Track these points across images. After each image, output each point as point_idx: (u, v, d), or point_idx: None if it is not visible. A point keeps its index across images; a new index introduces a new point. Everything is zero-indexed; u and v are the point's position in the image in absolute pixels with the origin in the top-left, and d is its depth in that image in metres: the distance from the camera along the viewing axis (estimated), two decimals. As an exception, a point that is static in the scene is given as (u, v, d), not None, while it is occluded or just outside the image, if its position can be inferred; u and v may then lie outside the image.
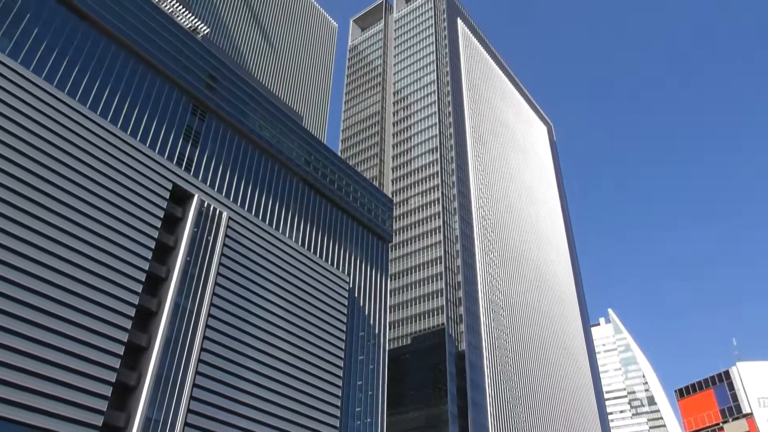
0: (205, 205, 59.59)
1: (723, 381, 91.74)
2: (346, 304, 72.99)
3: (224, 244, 59.69)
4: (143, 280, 51.26)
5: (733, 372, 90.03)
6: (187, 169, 60.57)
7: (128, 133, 55.55)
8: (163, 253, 55.91)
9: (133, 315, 49.36)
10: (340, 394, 67.13)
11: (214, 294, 56.74)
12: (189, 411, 50.66)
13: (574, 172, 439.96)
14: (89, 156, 50.83)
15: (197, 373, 52.55)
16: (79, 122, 51.04)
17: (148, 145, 57.10)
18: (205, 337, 54.35)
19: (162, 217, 55.04)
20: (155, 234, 53.77)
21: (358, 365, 73.87)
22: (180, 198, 58.78)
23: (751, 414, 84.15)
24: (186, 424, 50.05)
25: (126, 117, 56.26)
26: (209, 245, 58.35)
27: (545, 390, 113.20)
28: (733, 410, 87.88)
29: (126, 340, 48.19)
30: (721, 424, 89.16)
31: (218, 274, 57.96)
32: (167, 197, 56.27)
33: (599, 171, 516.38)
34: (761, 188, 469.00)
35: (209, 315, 55.53)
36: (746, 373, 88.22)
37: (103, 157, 51.88)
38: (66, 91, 51.83)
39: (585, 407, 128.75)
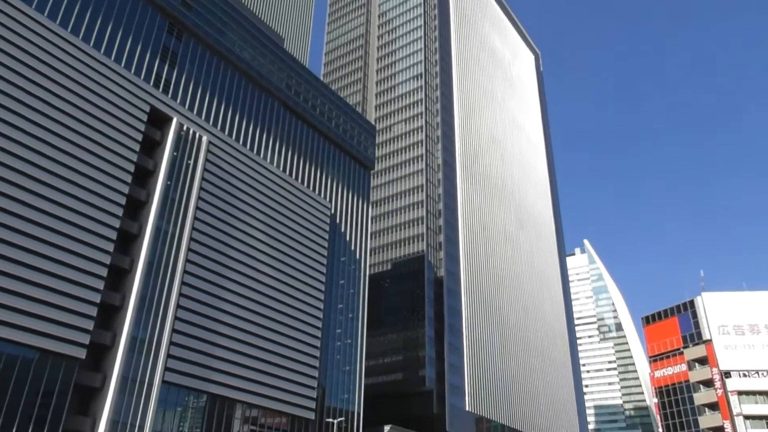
0: (185, 128, 58.77)
1: (687, 310, 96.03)
2: (328, 229, 73.93)
3: (205, 169, 59.42)
4: (123, 203, 51.24)
5: (698, 301, 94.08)
6: (165, 91, 59.23)
7: (102, 52, 53.73)
8: (143, 177, 55.58)
9: (114, 238, 49.68)
10: (321, 317, 69.23)
11: (195, 218, 57.04)
12: (174, 331, 52.13)
13: (559, 103, 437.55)
14: (63, 76, 49.37)
15: (181, 295, 53.65)
16: (51, 41, 49.18)
17: (123, 65, 55.44)
18: (187, 261, 55.12)
19: (140, 140, 54.33)
20: (134, 157, 53.25)
21: (339, 289, 75.77)
22: (158, 121, 57.81)
23: (710, 340, 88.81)
24: (171, 343, 51.61)
25: (99, 35, 54.22)
26: (189, 169, 58.04)
27: (519, 315, 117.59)
28: (694, 337, 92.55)
29: (109, 263, 48.75)
30: (681, 349, 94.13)
31: (199, 198, 58.03)
32: (145, 120, 55.33)
33: (584, 103, 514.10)
34: (748, 111, 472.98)
35: (191, 239, 56.06)
36: (710, 303, 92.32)
37: (78, 77, 50.43)
38: (34, 6, 49.56)
39: (556, 332, 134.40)
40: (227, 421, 56.36)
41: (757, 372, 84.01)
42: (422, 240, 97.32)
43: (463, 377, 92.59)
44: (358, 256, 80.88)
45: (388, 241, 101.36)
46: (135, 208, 54.00)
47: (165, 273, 52.92)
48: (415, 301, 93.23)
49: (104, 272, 48.11)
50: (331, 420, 63.72)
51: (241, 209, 62.49)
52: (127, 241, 52.62)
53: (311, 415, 64.34)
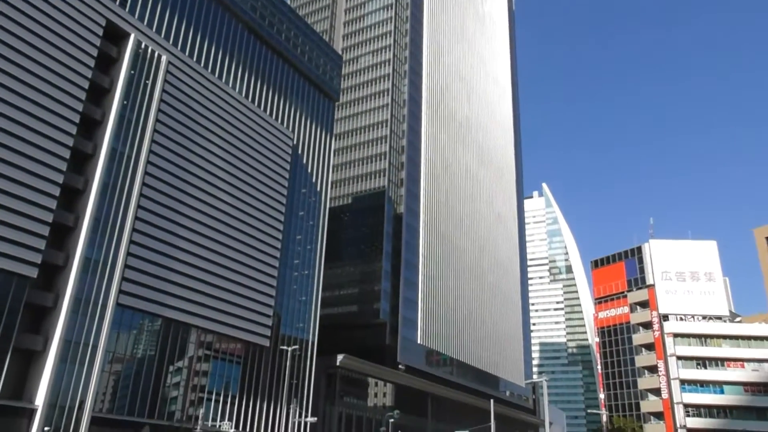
0: (143, 46, 56.18)
1: (635, 255, 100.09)
2: (289, 160, 73.17)
3: (163, 90, 57.38)
4: (77, 121, 49.38)
5: (645, 248, 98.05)
6: (122, 5, 56.11)
7: (54, -44, 50.15)
8: (98, 95, 53.37)
9: (68, 157, 48.14)
10: (280, 247, 69.54)
11: (152, 141, 55.52)
12: (129, 254, 51.65)
13: (530, 44, 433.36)
14: (10, -21, 46.09)
15: (136, 218, 52.86)
16: (-4, -62, 45.52)
17: (77, -28, 51.98)
18: (144, 184, 54.03)
19: (95, 56, 51.83)
20: (89, 74, 50.95)
21: (298, 220, 75.86)
22: (115, 37, 55.05)
23: (653, 285, 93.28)
24: (126, 265, 51.23)
25: (51, -63, 50.43)
26: (147, 89, 55.95)
27: (475, 254, 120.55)
28: (638, 281, 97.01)
29: (62, 182, 47.41)
30: (625, 293, 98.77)
31: (157, 120, 56.31)
32: (100, 34, 52.63)
33: (555, 45, 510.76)
34: (720, 56, 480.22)
35: (148, 161, 54.75)
36: (656, 250, 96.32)
37: (27, -19, 47.17)
38: None
39: (509, 272, 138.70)
40: (182, 344, 57.06)
41: (692, 316, 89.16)
42: (384, 175, 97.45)
43: (416, 311, 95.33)
44: (318, 189, 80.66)
45: (350, 174, 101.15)
46: (90, 127, 52.11)
47: (120, 195, 51.85)
48: (373, 235, 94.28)
49: (57, 191, 46.83)
50: (285, 348, 65.18)
51: (200, 134, 61.04)
52: (81, 161, 51.03)
53: (266, 342, 65.64)
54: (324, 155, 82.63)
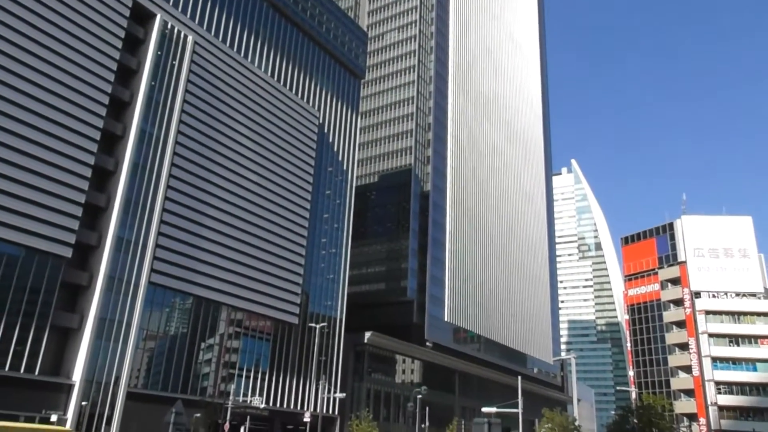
0: (169, 26, 56.37)
1: (666, 232, 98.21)
2: (316, 139, 73.18)
3: (190, 70, 57.64)
4: (106, 103, 50.00)
5: (677, 224, 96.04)
6: (148, -15, 56.22)
7: (80, -63, 50.34)
8: (126, 76, 53.89)
9: (98, 138, 48.88)
10: (307, 225, 69.97)
11: (180, 121, 55.97)
12: (160, 233, 52.52)
13: (559, 16, 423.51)
14: (38, -38, 46.47)
15: (166, 198, 53.61)
16: None
17: (103, -47, 52.15)
18: (173, 164, 54.65)
19: (123, 37, 52.21)
20: (116, 55, 51.40)
21: (325, 199, 76.10)
22: (141, 17, 55.33)
23: (685, 262, 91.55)
24: (157, 245, 52.15)
25: None
26: (174, 70, 56.28)
27: (502, 231, 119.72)
28: (669, 258, 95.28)
29: (93, 163, 48.23)
30: (656, 270, 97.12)
31: (184, 101, 56.69)
32: (127, 15, 52.92)
33: (586, 18, 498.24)
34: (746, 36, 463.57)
35: (176, 142, 55.30)
36: (688, 226, 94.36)
37: (54, -36, 47.52)
38: None
39: (537, 249, 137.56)
40: (213, 322, 58.14)
41: (725, 293, 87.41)
42: (410, 153, 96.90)
43: (443, 289, 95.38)
44: (345, 167, 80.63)
45: (376, 153, 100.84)
46: (119, 108, 52.73)
47: (150, 175, 52.57)
48: (400, 213, 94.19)
49: (88, 173, 47.68)
50: (313, 325, 65.94)
51: (227, 114, 61.33)
52: (111, 142, 51.77)
53: (294, 320, 66.48)
54: (350, 133, 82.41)
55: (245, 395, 58.02)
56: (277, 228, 65.55)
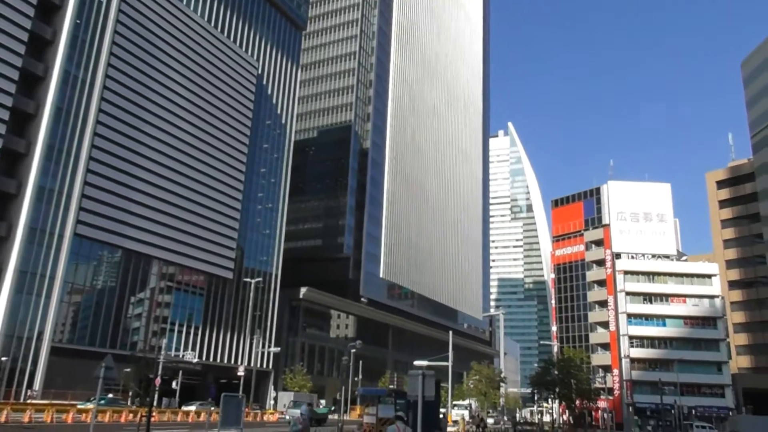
0: (96, -39, 52.52)
1: (593, 196, 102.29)
2: (254, 90, 71.06)
3: (119, 9, 54.21)
4: (26, 40, 46.51)
5: (603, 189, 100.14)
6: None
7: None
8: (48, 12, 50.08)
9: (17, 78, 45.59)
10: (243, 179, 68.53)
11: (109, 64, 52.87)
12: (86, 183, 50.09)
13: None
14: None
15: (93, 146, 50.98)
16: None
17: None
18: (100, 110, 51.82)
19: (44, -32, 48.29)
20: (37, -12, 47.60)
21: (262, 153, 74.52)
22: (64, -52, 51.20)
23: (608, 225, 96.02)
24: (83, 195, 49.77)
25: None
26: (102, 8, 52.79)
27: (439, 190, 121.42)
28: (595, 221, 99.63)
29: (11, 105, 45.08)
30: (582, 231, 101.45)
31: (113, 42, 53.47)
32: (49, -55, 48.85)
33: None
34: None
35: (104, 86, 52.33)
36: (613, 191, 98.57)
37: None
38: None
39: (471, 209, 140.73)
40: (143, 276, 56.61)
41: (643, 255, 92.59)
42: (351, 110, 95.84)
43: (379, 246, 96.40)
44: (283, 121, 78.95)
45: (316, 107, 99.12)
46: (40, 46, 49.12)
47: (75, 121, 49.70)
48: (338, 170, 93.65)
49: (6, 115, 44.59)
50: (249, 280, 65.38)
51: (159, 58, 58.39)
52: (31, 84, 48.37)
53: (229, 275, 65.69)
54: (289, 86, 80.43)
55: (177, 350, 57.31)
56: (212, 180, 63.86)
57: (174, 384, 53.39)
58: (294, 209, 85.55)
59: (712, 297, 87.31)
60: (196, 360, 55.91)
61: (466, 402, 78.05)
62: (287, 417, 41.30)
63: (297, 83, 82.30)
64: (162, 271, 58.77)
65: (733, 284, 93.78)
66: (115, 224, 52.57)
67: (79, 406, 37.30)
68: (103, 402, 39.53)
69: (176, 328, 59.76)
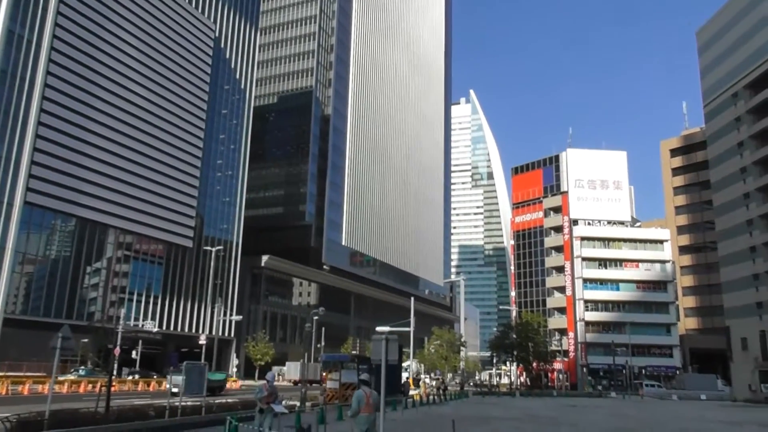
0: None
1: (552, 164, 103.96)
2: (211, 53, 69.00)
3: (66, -33, 51.48)
4: (-36, -3, 43.82)
5: (562, 156, 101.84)
6: None
7: None
8: (-12, -34, 47.20)
9: (-45, 38, 43.04)
10: (202, 146, 67.02)
11: (56, 24, 50.40)
12: (36, 150, 48.16)
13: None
14: None
15: (42, 110, 48.89)
16: None
17: None
18: (48, 72, 49.56)
19: None
20: (-26, -59, 44.67)
21: (221, 119, 72.85)
22: None
23: (567, 192, 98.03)
24: (33, 162, 47.89)
25: None
26: (47, -35, 50.00)
27: (401, 157, 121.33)
28: (554, 188, 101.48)
29: (-50, 66, 42.64)
30: (541, 198, 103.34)
31: (61, 1, 50.86)
32: None
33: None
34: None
35: (52, 48, 49.95)
36: (572, 159, 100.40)
37: None
38: None
39: (433, 176, 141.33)
40: (99, 245, 55.23)
41: (599, 221, 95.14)
42: (311, 75, 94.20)
43: (341, 213, 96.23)
44: (243, 86, 77.09)
45: (276, 72, 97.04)
46: (-21, 4, 46.37)
47: (22, 84, 47.46)
48: (299, 136, 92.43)
49: (-55, 77, 42.22)
50: (209, 248, 64.51)
51: (111, 19, 55.94)
52: (-29, 44, 45.82)
53: (188, 243, 64.71)
54: (248, 50, 78.33)
55: (137, 320, 56.47)
56: (169, 147, 62.24)
57: (134, 354, 52.73)
58: (254, 176, 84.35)
59: (663, 262, 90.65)
60: (156, 329, 55.25)
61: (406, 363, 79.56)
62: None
63: (256, 47, 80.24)
64: (119, 240, 57.42)
65: (683, 249, 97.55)
66: (67, 192, 50.90)
67: (60, 378, 36.96)
68: (83, 373, 39.78)
69: (135, 297, 58.79)
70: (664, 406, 43.35)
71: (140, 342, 53.83)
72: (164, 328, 61.41)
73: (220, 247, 66.99)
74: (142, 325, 53.97)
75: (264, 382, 14.08)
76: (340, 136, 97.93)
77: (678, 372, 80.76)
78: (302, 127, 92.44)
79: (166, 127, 61.87)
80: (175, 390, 21.06)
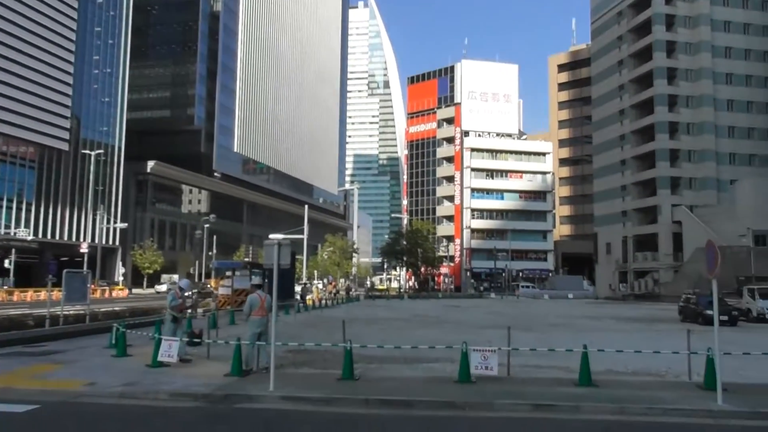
0: None
1: (447, 74, 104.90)
2: (79, -68, 61.05)
3: None
4: None
5: (457, 67, 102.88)
6: None
7: None
8: None
9: None
10: (74, 38, 60.60)
11: None
12: None
13: None
14: None
15: None
16: None
17: None
18: None
19: None
20: None
21: (96, 9, 65.82)
22: None
23: (460, 103, 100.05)
24: None
25: None
26: None
27: (296, 61, 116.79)
28: (448, 99, 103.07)
29: None
30: (435, 109, 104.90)
31: None
32: None
33: None
34: None
35: None
36: (466, 70, 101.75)
37: None
38: None
39: (329, 83, 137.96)
40: (-43, 145, 49.68)
41: (488, 133, 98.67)
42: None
43: (233, 118, 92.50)
44: (119, -28, 69.50)
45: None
46: None
47: None
48: (186, 33, 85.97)
49: None
50: (88, 152, 60.05)
51: None
52: None
53: (64, 146, 59.93)
54: (124, -70, 70.07)
55: (8, 227, 52.47)
56: (35, 38, 55.73)
57: (7, 263, 49.41)
58: (137, 76, 78.18)
59: (544, 173, 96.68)
60: (30, 237, 51.81)
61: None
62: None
63: (133, -72, 71.91)
64: (-19, 141, 51.93)
65: (563, 161, 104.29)
66: None
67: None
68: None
69: (5, 203, 54.29)
70: (536, 304, 47.93)
71: (13, 251, 50.33)
72: (40, 236, 57.68)
73: (101, 151, 62.58)
74: (15, 233, 50.35)
75: (174, 288, 13.07)
76: (231, 36, 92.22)
77: (551, 274, 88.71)
78: (189, 23, 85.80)
79: (29, 14, 55.02)
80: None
